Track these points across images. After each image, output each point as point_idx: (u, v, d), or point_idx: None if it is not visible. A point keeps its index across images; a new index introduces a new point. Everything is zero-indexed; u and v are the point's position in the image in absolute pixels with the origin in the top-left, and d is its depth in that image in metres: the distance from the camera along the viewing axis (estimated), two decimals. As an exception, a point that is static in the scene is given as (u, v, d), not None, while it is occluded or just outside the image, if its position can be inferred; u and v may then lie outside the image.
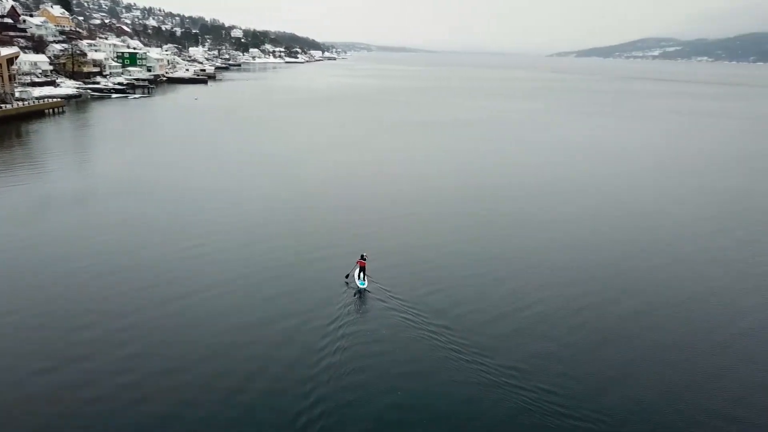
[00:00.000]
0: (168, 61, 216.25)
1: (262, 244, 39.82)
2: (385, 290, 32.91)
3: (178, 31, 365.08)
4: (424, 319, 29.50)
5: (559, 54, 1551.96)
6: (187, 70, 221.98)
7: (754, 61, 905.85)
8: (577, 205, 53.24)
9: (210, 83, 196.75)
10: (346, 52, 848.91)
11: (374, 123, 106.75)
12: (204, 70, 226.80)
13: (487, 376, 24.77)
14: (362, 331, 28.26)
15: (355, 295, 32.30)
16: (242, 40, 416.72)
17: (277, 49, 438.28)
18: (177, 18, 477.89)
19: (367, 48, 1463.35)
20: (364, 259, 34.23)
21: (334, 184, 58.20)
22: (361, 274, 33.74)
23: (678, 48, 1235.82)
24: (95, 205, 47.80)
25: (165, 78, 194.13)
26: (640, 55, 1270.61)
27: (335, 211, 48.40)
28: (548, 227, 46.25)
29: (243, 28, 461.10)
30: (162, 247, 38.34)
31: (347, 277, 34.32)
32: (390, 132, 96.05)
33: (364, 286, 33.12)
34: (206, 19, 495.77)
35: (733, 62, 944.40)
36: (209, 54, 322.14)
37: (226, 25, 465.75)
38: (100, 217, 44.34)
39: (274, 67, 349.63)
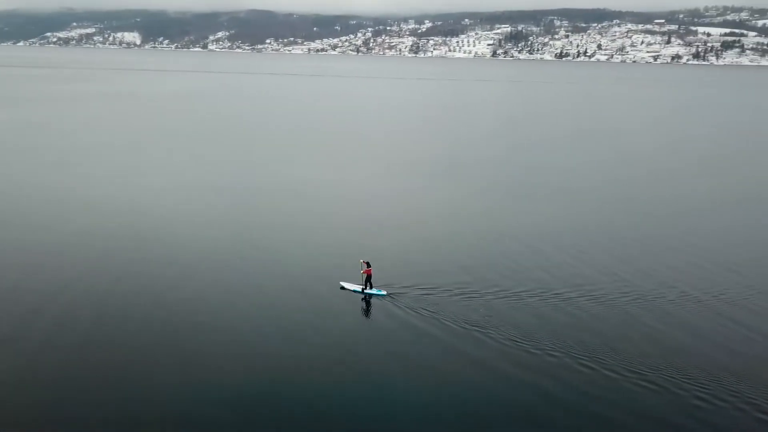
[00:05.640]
0: None
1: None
2: (403, 286, 32.49)
3: None
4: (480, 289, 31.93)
5: None
6: None
7: (15, 43, 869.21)
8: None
9: None
10: None
11: None
12: None
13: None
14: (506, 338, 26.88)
15: (368, 304, 30.78)
16: None
17: None
18: None
19: None
20: (369, 266, 31.71)
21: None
22: (368, 284, 31.80)
23: None
24: None
25: None
26: None
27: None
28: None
29: None
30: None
31: (362, 291, 31.64)
32: None
33: (385, 294, 31.22)
34: None
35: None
36: None
37: None
38: None
39: None
